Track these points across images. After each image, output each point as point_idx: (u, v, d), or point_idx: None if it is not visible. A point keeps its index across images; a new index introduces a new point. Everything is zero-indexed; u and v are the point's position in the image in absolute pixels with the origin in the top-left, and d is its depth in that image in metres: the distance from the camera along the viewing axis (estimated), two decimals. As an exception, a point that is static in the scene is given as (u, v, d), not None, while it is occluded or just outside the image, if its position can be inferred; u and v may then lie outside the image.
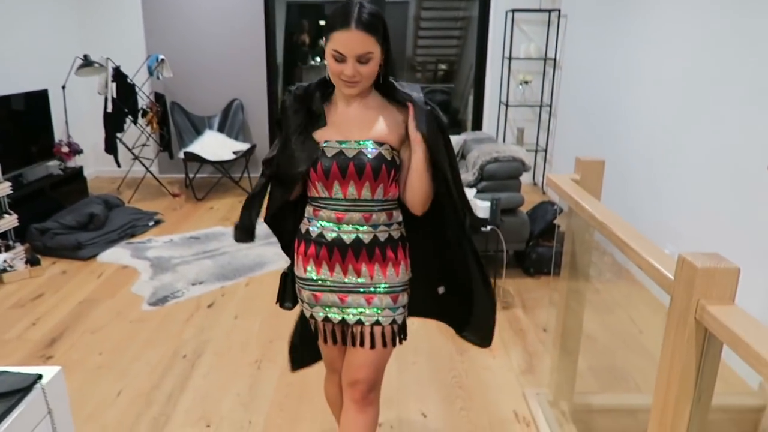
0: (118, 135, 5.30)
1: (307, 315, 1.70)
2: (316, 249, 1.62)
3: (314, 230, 1.62)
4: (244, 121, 6.02)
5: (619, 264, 3.92)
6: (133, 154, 5.46)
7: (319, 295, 1.64)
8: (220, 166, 5.55)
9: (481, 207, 3.29)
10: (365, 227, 1.58)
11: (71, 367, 2.74)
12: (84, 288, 3.59)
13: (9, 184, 3.93)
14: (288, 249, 1.76)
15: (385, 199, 1.59)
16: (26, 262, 3.77)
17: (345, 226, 1.58)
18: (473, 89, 6.38)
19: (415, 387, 2.59)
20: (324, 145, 1.54)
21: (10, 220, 3.90)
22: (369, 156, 1.52)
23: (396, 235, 1.64)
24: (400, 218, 1.66)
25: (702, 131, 3.13)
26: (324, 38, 1.48)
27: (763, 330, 1.10)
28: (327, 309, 1.64)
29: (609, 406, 2.41)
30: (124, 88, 5.25)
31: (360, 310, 1.62)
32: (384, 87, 1.57)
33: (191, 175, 5.59)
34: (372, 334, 1.62)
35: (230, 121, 5.96)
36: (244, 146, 5.68)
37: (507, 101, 5.85)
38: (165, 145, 5.73)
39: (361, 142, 1.53)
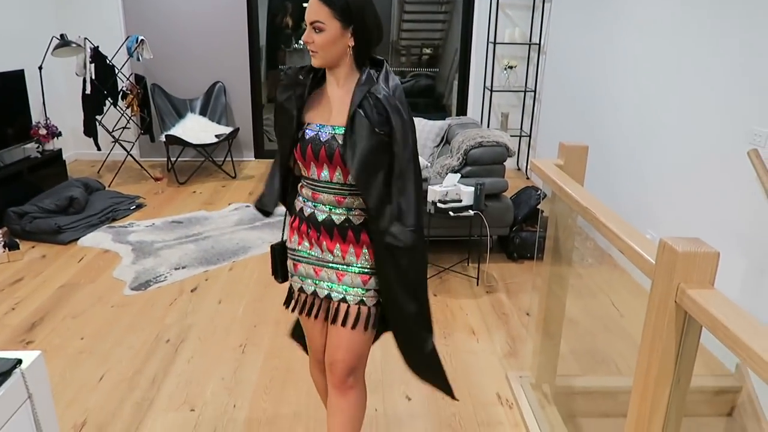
0: (98, 117, 5.21)
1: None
2: (299, 222, 1.69)
3: (299, 204, 1.69)
4: (226, 104, 5.94)
5: (601, 249, 3.97)
6: (113, 137, 5.37)
7: (297, 265, 1.72)
8: (203, 149, 5.48)
9: (465, 192, 3.30)
10: (338, 210, 1.62)
11: (52, 352, 2.71)
12: (64, 272, 3.54)
13: (-15, 166, 3.84)
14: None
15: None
16: (4, 246, 3.70)
17: (320, 205, 1.64)
18: (458, 74, 6.36)
19: (400, 371, 2.61)
20: (305, 127, 1.60)
21: (-13, 204, 3.82)
22: (340, 142, 1.54)
23: None
24: None
25: (684, 117, 3.16)
26: None
27: (742, 313, 1.12)
28: (303, 279, 1.72)
29: (590, 389, 2.45)
30: (103, 70, 5.14)
31: (331, 285, 1.67)
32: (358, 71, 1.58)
33: (173, 159, 5.53)
34: (347, 313, 1.66)
35: (212, 104, 5.88)
36: (226, 130, 5.62)
37: (491, 86, 5.85)
38: (146, 128, 5.64)
39: (336, 128, 1.56)
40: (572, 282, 2.40)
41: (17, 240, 3.82)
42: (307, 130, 1.59)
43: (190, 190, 5.19)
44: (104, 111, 5.24)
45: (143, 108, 5.57)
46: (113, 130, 5.38)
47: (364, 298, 1.66)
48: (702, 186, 2.97)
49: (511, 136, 5.50)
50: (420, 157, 3.53)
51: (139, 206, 4.70)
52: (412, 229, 1.54)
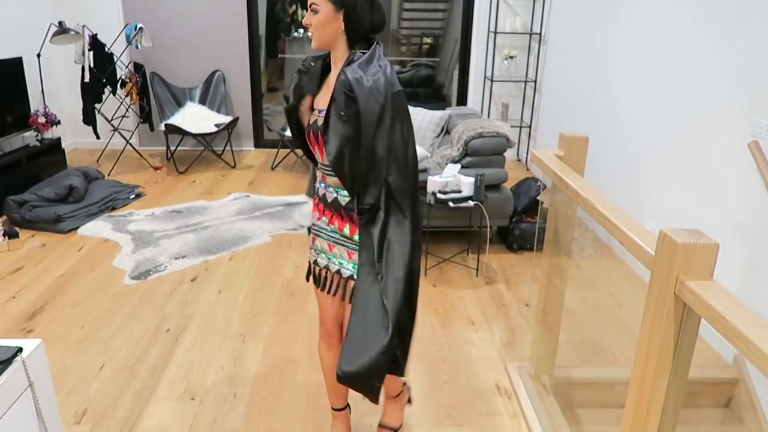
0: (97, 106, 5.19)
1: None
2: (318, 201, 1.81)
3: (317, 185, 1.80)
4: (226, 93, 5.92)
5: (601, 240, 3.98)
6: (113, 125, 5.35)
7: (315, 239, 1.84)
8: (202, 138, 5.47)
9: (465, 183, 3.29)
10: (343, 191, 1.70)
11: (53, 340, 2.72)
12: (64, 261, 3.55)
13: (-16, 155, 3.83)
14: None
15: None
16: (4, 235, 3.70)
17: (329, 186, 1.73)
18: (458, 64, 6.33)
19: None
20: (314, 111, 1.70)
21: (-13, 192, 3.82)
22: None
23: None
24: None
25: (685, 108, 3.15)
26: None
27: (740, 305, 1.12)
28: (318, 253, 1.83)
29: (588, 379, 2.46)
30: (102, 58, 5.12)
31: (341, 261, 1.77)
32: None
33: (172, 148, 5.51)
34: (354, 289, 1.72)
35: (212, 93, 5.86)
36: (226, 119, 5.60)
37: (492, 76, 5.82)
38: (145, 116, 5.62)
39: (323, 111, 1.64)
40: (571, 273, 2.41)
41: (17, 229, 3.82)
42: (313, 114, 1.69)
43: (189, 180, 5.18)
44: (103, 99, 5.22)
45: (142, 96, 5.55)
46: (112, 119, 5.36)
47: None
48: (702, 178, 2.97)
49: (512, 126, 5.49)
50: (419, 147, 3.52)
51: (139, 195, 4.69)
52: (367, 207, 1.63)
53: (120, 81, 5.34)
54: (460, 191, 3.30)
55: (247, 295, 3.18)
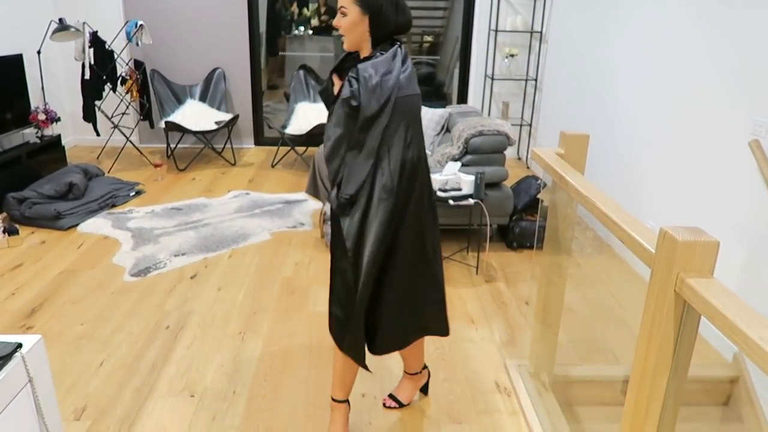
0: (97, 103, 5.18)
1: None
2: None
3: None
4: (226, 91, 5.91)
5: (601, 239, 3.97)
6: (113, 122, 5.34)
7: None
8: (202, 136, 5.47)
9: (465, 181, 3.29)
10: None
11: (52, 337, 2.72)
12: (64, 258, 3.54)
13: (-16, 152, 3.83)
14: None
15: None
16: (4, 232, 3.70)
17: None
18: (459, 62, 6.33)
19: (399, 358, 2.62)
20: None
21: (-14, 189, 3.82)
22: None
23: None
24: None
25: (686, 106, 3.15)
26: None
27: (740, 303, 1.12)
28: None
29: (588, 378, 2.46)
30: (102, 55, 5.11)
31: None
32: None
33: (173, 145, 5.51)
34: None
35: (212, 91, 5.85)
36: (226, 116, 5.60)
37: (492, 74, 5.82)
38: (145, 114, 5.62)
39: None
40: (571, 271, 2.41)
41: (17, 225, 3.82)
42: None
43: (189, 177, 5.18)
44: (103, 96, 5.22)
45: (142, 94, 5.54)
46: (112, 116, 5.35)
47: None
48: (703, 176, 2.97)
49: (512, 124, 5.49)
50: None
51: (139, 193, 4.69)
52: (346, 197, 1.71)
53: (120, 78, 5.33)
54: (460, 189, 3.30)
55: (247, 293, 3.18)
